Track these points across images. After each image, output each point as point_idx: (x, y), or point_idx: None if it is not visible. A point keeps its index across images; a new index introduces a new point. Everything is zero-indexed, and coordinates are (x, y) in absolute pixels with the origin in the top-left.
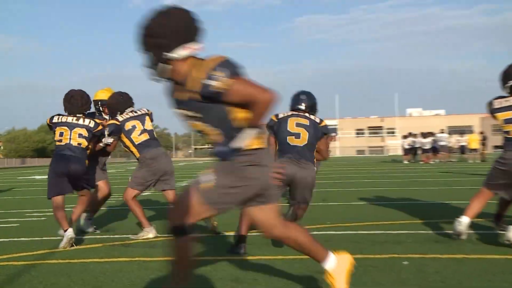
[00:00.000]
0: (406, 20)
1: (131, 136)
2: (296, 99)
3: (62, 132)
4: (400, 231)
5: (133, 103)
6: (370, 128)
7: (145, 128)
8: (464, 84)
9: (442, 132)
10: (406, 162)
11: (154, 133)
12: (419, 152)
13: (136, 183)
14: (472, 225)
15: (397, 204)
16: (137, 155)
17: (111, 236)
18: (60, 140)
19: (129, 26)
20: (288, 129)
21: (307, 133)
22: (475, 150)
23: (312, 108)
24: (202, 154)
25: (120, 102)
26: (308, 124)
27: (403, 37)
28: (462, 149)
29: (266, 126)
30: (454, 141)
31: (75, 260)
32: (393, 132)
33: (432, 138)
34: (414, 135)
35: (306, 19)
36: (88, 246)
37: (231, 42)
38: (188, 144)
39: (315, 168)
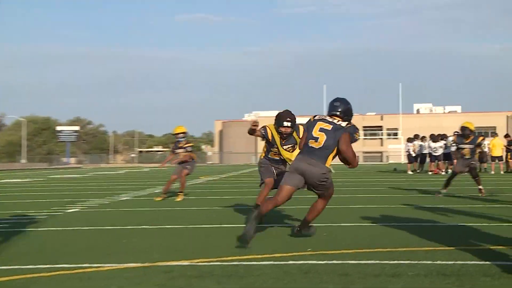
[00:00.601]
0: None
1: None
2: (331, 106)
3: None
4: (399, 261)
5: None
6: (366, 128)
7: None
8: (488, 74)
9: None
10: (410, 172)
11: None
12: (428, 159)
13: None
14: (493, 254)
15: (397, 226)
16: None
17: (15, 267)
18: None
19: None
20: (312, 132)
21: (325, 137)
22: (499, 158)
23: (346, 112)
24: (148, 160)
25: None
26: (330, 129)
27: (413, 12)
28: (482, 157)
29: (306, 124)
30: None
31: None
32: (395, 134)
33: (445, 142)
34: (422, 138)
35: None
36: None
37: (190, 14)
38: (131, 146)
39: (328, 168)
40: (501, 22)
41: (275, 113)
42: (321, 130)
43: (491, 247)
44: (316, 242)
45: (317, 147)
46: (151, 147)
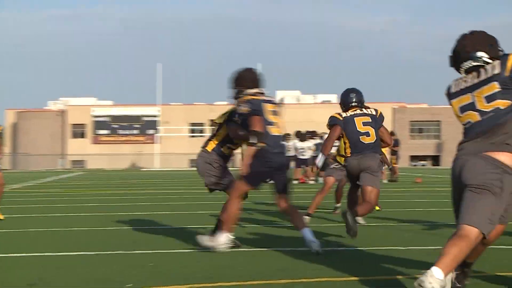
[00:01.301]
0: None
1: None
2: (346, 96)
3: None
4: None
5: None
6: (214, 122)
7: None
8: (372, 53)
9: None
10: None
11: None
12: (293, 164)
13: None
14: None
15: (258, 253)
16: None
17: None
18: None
19: None
20: (358, 129)
21: (374, 129)
22: None
23: (361, 103)
24: None
25: None
26: (371, 121)
27: None
28: None
29: (330, 123)
30: None
31: None
32: None
33: (316, 141)
34: (285, 136)
35: None
36: None
37: None
38: None
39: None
40: None
41: (91, 100)
42: (366, 124)
43: (379, 277)
44: (138, 275)
45: (373, 141)
46: None
